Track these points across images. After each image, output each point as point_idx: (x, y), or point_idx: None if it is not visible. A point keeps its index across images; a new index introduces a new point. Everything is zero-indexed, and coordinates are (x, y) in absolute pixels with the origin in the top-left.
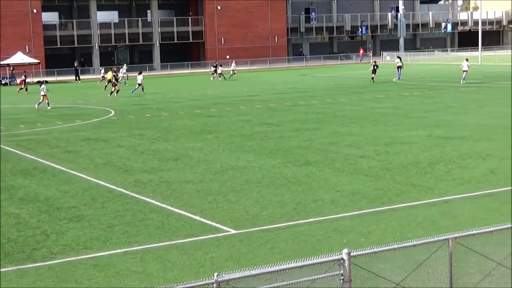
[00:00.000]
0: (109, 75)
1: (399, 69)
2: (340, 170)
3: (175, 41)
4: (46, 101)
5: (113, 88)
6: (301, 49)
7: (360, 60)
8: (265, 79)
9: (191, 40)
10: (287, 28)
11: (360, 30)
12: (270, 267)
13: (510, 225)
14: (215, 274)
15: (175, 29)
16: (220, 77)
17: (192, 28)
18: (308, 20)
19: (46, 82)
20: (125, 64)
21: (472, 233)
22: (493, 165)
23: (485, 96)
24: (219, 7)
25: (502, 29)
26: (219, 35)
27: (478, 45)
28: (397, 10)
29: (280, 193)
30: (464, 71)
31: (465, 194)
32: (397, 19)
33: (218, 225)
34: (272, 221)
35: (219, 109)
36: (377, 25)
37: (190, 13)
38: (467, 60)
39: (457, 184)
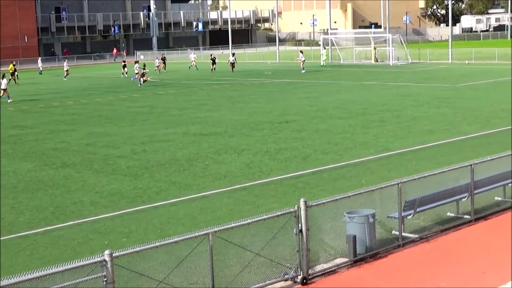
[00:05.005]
0: (10, 67)
1: (232, 65)
2: (99, 171)
3: None
4: (7, 95)
5: (143, 77)
6: (53, 49)
7: (114, 60)
8: (16, 80)
9: None
10: (37, 28)
11: (113, 29)
12: (30, 274)
13: (265, 216)
14: None
15: None
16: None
17: None
18: (59, 19)
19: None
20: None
21: (231, 226)
22: (248, 159)
23: (237, 93)
24: None
25: (250, 27)
26: None
27: (228, 43)
28: (149, 10)
29: (37, 197)
30: (302, 61)
31: (222, 189)
32: (149, 18)
33: None
34: (30, 226)
35: None
36: (129, 24)
37: None
38: (301, 52)
39: (215, 179)
